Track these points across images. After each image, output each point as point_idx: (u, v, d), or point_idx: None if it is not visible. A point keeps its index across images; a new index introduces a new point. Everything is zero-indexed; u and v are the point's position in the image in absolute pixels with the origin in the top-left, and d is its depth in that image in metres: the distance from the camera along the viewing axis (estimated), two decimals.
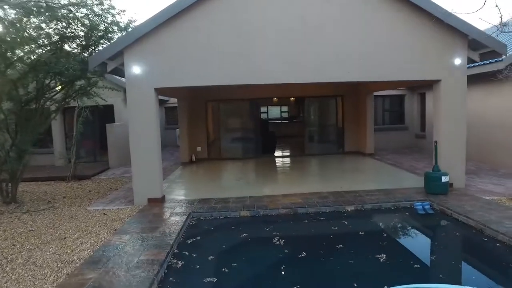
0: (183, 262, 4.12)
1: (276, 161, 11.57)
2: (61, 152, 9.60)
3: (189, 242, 4.77)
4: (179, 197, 6.83)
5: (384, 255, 4.14)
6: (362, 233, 5.04)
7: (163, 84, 6.40)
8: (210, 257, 4.31)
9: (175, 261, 4.15)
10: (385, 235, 5.08)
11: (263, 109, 17.66)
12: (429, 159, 10.41)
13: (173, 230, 4.93)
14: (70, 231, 5.22)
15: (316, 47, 6.44)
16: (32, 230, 5.36)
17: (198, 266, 4.08)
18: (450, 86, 6.62)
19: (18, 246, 4.71)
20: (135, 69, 6.24)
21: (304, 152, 12.17)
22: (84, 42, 6.95)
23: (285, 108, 22.07)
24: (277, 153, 12.88)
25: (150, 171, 6.43)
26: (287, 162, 11.25)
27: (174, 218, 5.48)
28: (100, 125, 11.76)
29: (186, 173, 9.80)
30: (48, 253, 4.39)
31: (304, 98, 12.30)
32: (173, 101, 17.15)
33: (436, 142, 6.52)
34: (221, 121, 12.12)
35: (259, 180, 8.55)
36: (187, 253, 4.39)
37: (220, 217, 5.76)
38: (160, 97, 14.63)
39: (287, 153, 13.05)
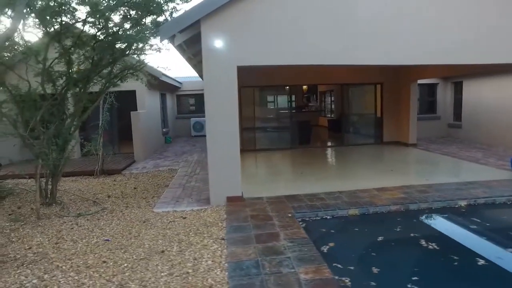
0: (349, 279, 3.28)
1: (318, 151, 10.77)
2: (87, 144, 8.27)
3: (325, 251, 3.91)
4: (257, 194, 5.87)
5: None
6: None
7: (247, 62, 5.39)
8: (375, 269, 3.49)
9: (336, 277, 3.29)
10: None
11: (270, 98, 16.95)
12: (477, 149, 10.06)
13: (298, 237, 4.05)
14: (160, 241, 4.18)
15: (416, 27, 5.69)
16: (108, 240, 4.27)
17: (374, 284, 3.25)
18: None
19: (111, 263, 3.63)
20: (217, 43, 5.19)
21: (343, 142, 11.47)
22: (139, 12, 5.72)
23: (292, 98, 21.26)
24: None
25: (229, 164, 5.46)
26: (330, 153, 10.51)
27: (282, 221, 4.57)
28: (118, 113, 10.41)
29: None
30: (163, 274, 3.36)
31: (342, 85, 11.60)
32: (185, 88, 15.88)
33: None
34: (256, 109, 11.13)
35: (326, 173, 7.75)
36: (340, 266, 3.54)
37: (327, 217, 4.93)
38: (172, 82, 13.44)
39: (324, 144, 12.28)
